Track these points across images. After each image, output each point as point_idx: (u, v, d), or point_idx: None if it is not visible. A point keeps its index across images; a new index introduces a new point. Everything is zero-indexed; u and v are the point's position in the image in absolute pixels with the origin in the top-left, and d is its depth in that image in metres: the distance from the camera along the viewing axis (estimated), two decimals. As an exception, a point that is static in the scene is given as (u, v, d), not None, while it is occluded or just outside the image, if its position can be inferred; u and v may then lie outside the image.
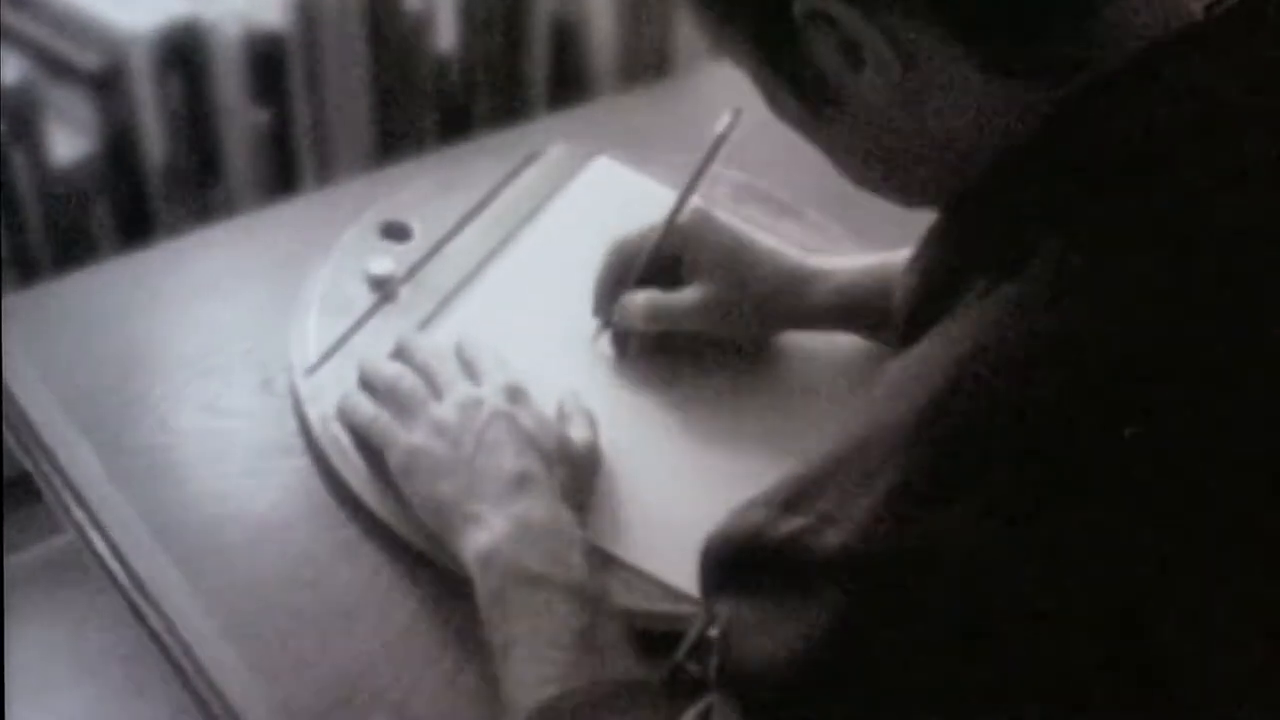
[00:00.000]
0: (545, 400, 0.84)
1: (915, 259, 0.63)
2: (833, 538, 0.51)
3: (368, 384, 0.86)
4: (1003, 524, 0.51)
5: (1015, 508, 0.51)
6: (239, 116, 1.43)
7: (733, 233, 0.91)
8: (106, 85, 1.35)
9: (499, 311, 0.94)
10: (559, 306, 0.94)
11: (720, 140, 0.90)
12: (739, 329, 0.92)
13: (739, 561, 0.56)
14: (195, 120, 1.41)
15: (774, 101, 0.63)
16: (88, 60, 1.34)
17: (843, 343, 0.93)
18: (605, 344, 0.93)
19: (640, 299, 0.91)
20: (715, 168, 0.92)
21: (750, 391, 0.92)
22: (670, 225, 0.90)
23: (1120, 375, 0.52)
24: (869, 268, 0.89)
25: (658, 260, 0.91)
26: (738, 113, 0.89)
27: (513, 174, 1.04)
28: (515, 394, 0.82)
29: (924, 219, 0.63)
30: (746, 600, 0.55)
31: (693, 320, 0.90)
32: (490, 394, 0.81)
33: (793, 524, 0.53)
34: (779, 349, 0.94)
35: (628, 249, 0.92)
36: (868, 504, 0.51)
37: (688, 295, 0.90)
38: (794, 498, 0.54)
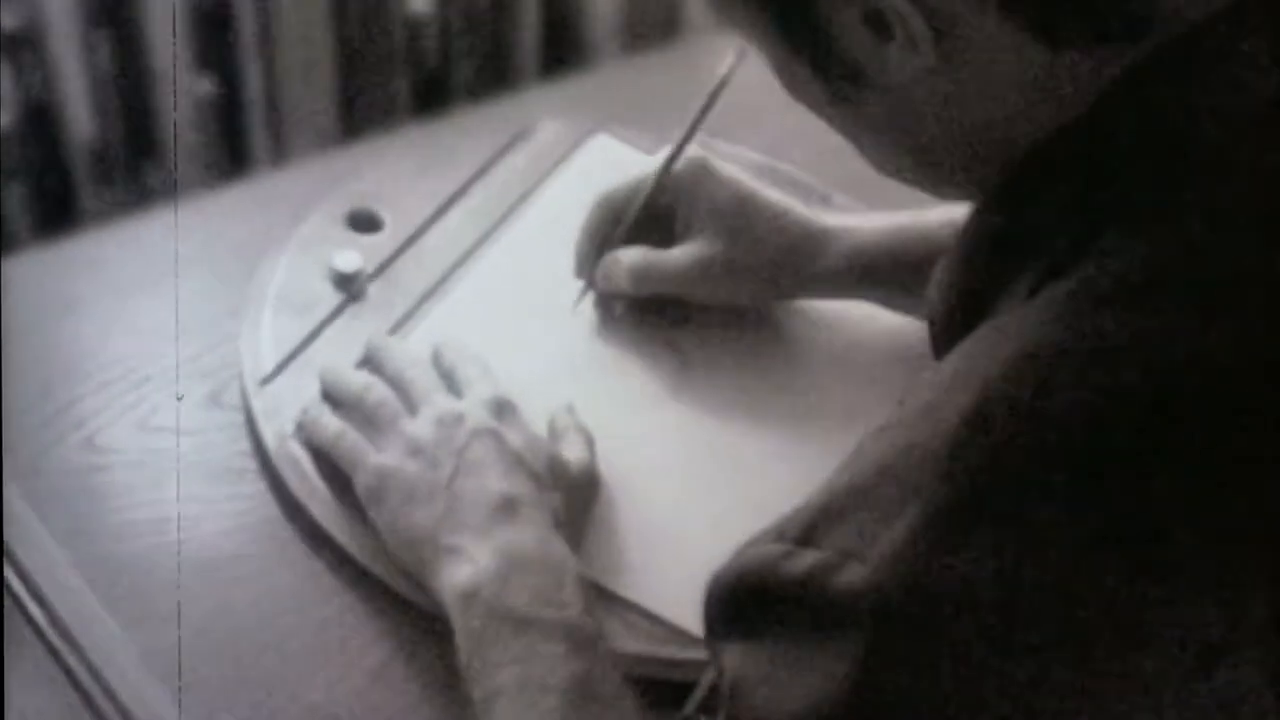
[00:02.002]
0: (536, 417, 0.85)
1: (951, 255, 0.64)
2: (853, 574, 0.52)
3: (332, 396, 0.86)
4: (1046, 558, 0.51)
5: (1061, 540, 0.51)
6: (180, 86, 1.44)
7: (736, 184, 0.92)
8: (24, 47, 1.35)
9: (482, 313, 0.94)
10: (551, 307, 0.95)
11: (723, 82, 0.90)
12: (740, 292, 0.93)
13: (748, 602, 0.56)
14: (128, 89, 1.41)
15: (791, 81, 0.63)
16: (2, 18, 1.35)
17: (875, 330, 0.94)
18: (589, 311, 0.94)
19: (628, 257, 0.92)
20: (734, 148, 0.93)
21: (773, 397, 0.92)
22: (664, 175, 0.91)
23: (1187, 385, 0.52)
24: (891, 227, 0.90)
25: (649, 215, 0.92)
26: (742, 52, 0.89)
27: (498, 155, 1.05)
28: (501, 408, 0.83)
29: (960, 205, 0.64)
30: (757, 646, 0.56)
31: (688, 282, 0.92)
32: (472, 408, 0.82)
33: (809, 559, 0.54)
34: (810, 339, 0.95)
35: (615, 202, 0.93)
36: (893, 536, 0.52)
37: (683, 253, 0.92)
38: (810, 530, 0.54)
